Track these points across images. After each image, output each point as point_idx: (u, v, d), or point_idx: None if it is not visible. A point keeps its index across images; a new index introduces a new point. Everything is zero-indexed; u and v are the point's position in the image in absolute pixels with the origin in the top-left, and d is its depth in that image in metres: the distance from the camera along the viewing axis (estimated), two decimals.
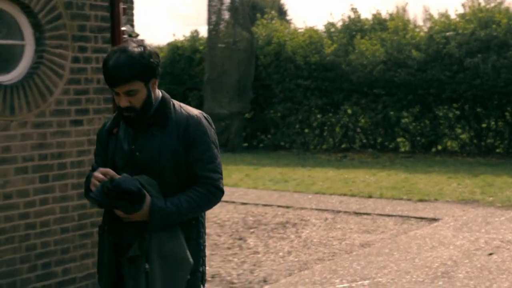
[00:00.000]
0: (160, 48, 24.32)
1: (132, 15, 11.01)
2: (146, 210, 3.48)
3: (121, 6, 7.14)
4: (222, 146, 21.08)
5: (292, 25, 26.60)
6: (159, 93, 3.76)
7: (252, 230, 10.36)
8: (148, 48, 3.62)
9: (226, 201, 12.70)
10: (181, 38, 24.68)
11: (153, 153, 3.60)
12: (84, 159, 6.79)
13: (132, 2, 11.58)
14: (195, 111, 3.75)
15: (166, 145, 3.61)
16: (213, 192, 3.67)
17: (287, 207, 12.23)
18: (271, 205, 12.43)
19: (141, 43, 3.62)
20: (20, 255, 6.32)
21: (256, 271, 8.09)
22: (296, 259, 8.60)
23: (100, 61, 6.89)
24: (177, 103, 3.77)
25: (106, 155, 3.80)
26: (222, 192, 3.73)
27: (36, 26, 6.47)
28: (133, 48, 3.56)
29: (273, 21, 23.88)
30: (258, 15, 24.30)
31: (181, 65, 23.37)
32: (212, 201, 3.70)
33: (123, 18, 7.26)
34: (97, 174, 3.55)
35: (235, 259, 8.66)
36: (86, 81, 6.81)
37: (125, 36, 7.27)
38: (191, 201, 3.57)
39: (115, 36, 7.02)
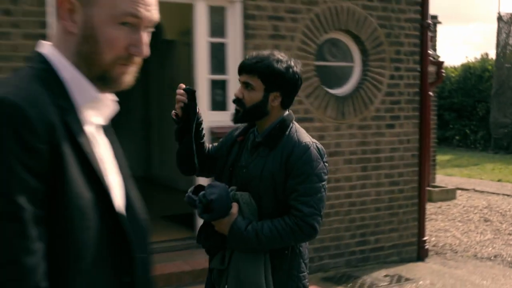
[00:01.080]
0: (455, 68, 23.45)
1: (435, 41, 10.80)
2: (227, 226, 2.71)
3: (428, 34, 7.04)
4: (504, 149, 19.89)
5: None
6: (282, 114, 2.86)
7: None
8: (294, 66, 2.80)
9: (508, 195, 11.92)
10: (472, 60, 23.62)
11: (255, 173, 2.76)
12: (394, 155, 6.77)
13: (435, 32, 11.42)
14: (306, 139, 2.79)
15: (268, 168, 2.74)
16: (302, 227, 2.68)
17: None
18: None
19: (293, 60, 2.84)
20: (344, 225, 6.51)
21: None
22: None
23: (410, 79, 6.86)
24: (295, 128, 2.84)
25: (221, 150, 3.02)
26: (313, 229, 2.70)
27: (363, 52, 6.58)
28: (282, 57, 2.80)
29: None
30: None
31: (472, 82, 22.27)
32: (299, 236, 2.71)
33: (429, 44, 7.15)
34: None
35: None
36: (399, 94, 6.77)
37: (431, 58, 7.15)
38: (274, 231, 2.67)
39: (423, 58, 6.89)
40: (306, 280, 2.85)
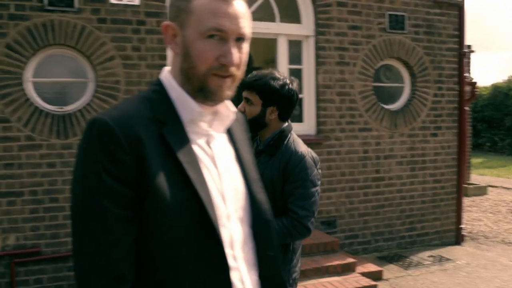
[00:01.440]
0: (486, 88, 22.51)
1: (470, 66, 10.42)
2: None
3: (465, 61, 6.85)
4: None
5: None
6: (281, 126, 2.52)
7: None
8: (289, 84, 2.48)
9: None
10: (500, 81, 22.64)
11: None
12: (437, 158, 6.60)
13: (470, 58, 11.02)
14: (303, 148, 2.47)
15: (267, 173, 2.43)
16: (297, 227, 2.38)
17: None
18: None
19: (293, 80, 2.52)
20: (396, 215, 6.40)
21: None
22: None
23: (450, 96, 6.65)
24: (292, 138, 2.51)
25: None
26: (307, 229, 2.40)
27: (412, 75, 6.47)
28: (280, 75, 2.49)
29: None
30: None
31: (500, 98, 21.24)
32: (294, 235, 2.40)
33: (465, 69, 6.94)
34: None
35: None
36: (441, 109, 6.61)
37: (466, 79, 6.93)
38: None
39: (461, 79, 6.72)
40: (296, 274, 2.54)
